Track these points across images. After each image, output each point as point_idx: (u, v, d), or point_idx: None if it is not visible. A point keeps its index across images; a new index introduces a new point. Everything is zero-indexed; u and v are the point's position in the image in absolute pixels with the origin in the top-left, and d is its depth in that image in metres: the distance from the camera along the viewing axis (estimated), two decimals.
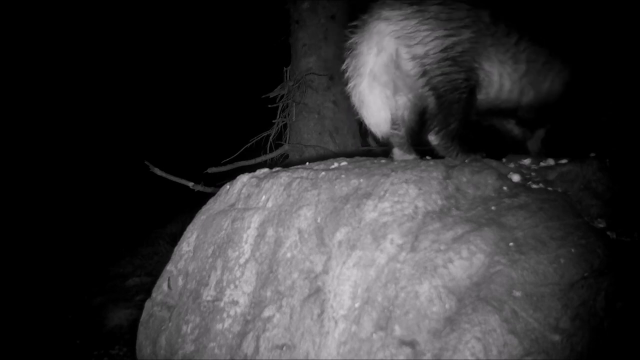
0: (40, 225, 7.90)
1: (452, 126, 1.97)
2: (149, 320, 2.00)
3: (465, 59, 1.91)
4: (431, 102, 2.02)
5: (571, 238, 1.35)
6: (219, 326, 1.72)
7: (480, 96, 2.03)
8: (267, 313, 1.62)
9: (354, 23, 2.04)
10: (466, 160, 1.78)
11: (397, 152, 2.16)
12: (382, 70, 2.00)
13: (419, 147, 2.20)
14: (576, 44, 2.17)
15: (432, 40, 1.90)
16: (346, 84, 2.06)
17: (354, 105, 2.10)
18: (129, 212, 8.55)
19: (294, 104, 4.15)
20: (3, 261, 6.13)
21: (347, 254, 1.54)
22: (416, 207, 1.54)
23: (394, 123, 2.13)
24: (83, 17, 9.56)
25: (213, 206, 2.10)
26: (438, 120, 2.00)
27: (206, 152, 5.81)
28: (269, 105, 4.35)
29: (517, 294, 1.27)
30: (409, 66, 1.96)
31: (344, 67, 2.07)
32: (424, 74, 1.94)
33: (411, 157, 2.14)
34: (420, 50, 1.92)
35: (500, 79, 2.00)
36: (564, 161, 1.68)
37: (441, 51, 1.90)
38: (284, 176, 1.91)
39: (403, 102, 2.10)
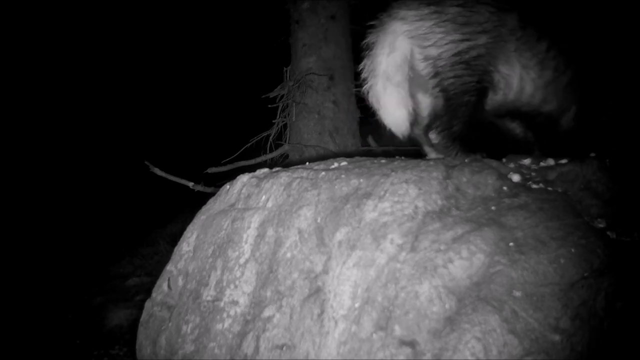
0: (40, 225, 7.90)
1: (455, 128, 1.97)
2: (149, 320, 2.00)
3: (479, 63, 1.89)
4: (439, 102, 2.02)
5: (571, 238, 1.35)
6: (219, 326, 1.72)
7: (498, 97, 2.01)
8: (267, 313, 1.62)
9: (372, 22, 2.04)
10: (466, 160, 1.78)
11: (430, 153, 2.15)
12: (394, 70, 1.99)
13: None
14: (606, 60, 2.15)
15: (446, 44, 1.89)
16: (363, 85, 2.06)
17: (371, 106, 2.09)
18: (129, 212, 8.56)
19: (294, 104, 4.15)
20: (3, 261, 6.13)
21: (347, 254, 1.54)
22: (416, 207, 1.54)
23: (419, 124, 2.13)
24: (83, 17, 9.56)
25: (213, 206, 2.10)
26: (442, 121, 2.00)
27: (206, 152, 5.81)
28: (269, 105, 4.35)
29: (517, 294, 1.27)
30: (421, 66, 1.96)
31: (360, 67, 2.06)
32: (435, 75, 1.94)
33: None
34: (433, 51, 1.92)
35: (521, 82, 1.97)
36: (564, 161, 1.68)
37: (454, 54, 1.89)
38: (284, 176, 1.91)
39: (429, 102, 2.10)
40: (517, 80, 1.97)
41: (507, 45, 1.91)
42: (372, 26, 2.03)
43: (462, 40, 1.88)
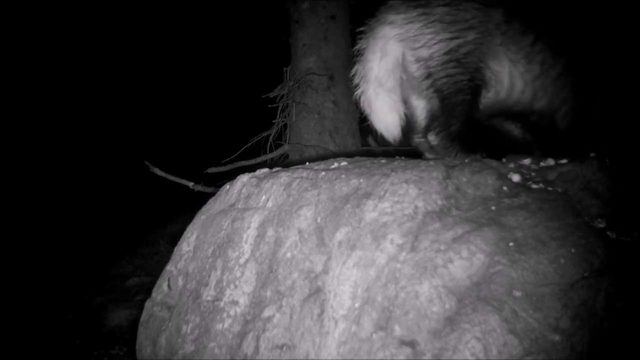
0: (40, 225, 7.90)
1: (453, 128, 1.97)
2: (149, 320, 2.00)
3: (470, 60, 1.90)
4: (435, 103, 2.02)
5: (571, 238, 1.35)
6: (219, 326, 1.72)
7: (490, 95, 2.02)
8: (267, 313, 1.62)
9: (361, 29, 2.05)
10: (466, 160, 1.78)
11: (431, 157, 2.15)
12: (386, 75, 2.00)
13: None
14: (595, 53, 2.14)
15: (436, 43, 1.90)
16: (354, 91, 2.07)
17: (363, 112, 2.11)
18: (129, 212, 8.56)
19: (294, 104, 4.15)
20: (3, 261, 6.13)
21: (347, 254, 1.54)
22: (416, 207, 1.54)
23: (416, 130, 2.13)
24: (83, 17, 9.56)
25: (213, 206, 2.10)
26: (439, 122, 2.00)
27: (206, 152, 5.81)
28: (269, 105, 4.35)
29: (517, 294, 1.27)
30: (414, 68, 1.97)
31: (352, 73, 2.07)
32: (428, 76, 1.95)
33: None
34: (424, 52, 1.93)
35: (511, 78, 1.98)
36: (564, 161, 1.68)
37: (445, 53, 1.90)
38: (284, 176, 1.91)
39: (425, 104, 2.11)
40: (507, 76, 1.98)
41: (494, 40, 1.91)
42: (362, 32, 2.04)
43: (452, 39, 1.89)
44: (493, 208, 1.49)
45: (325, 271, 1.56)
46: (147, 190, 7.87)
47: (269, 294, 1.66)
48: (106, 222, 8.14)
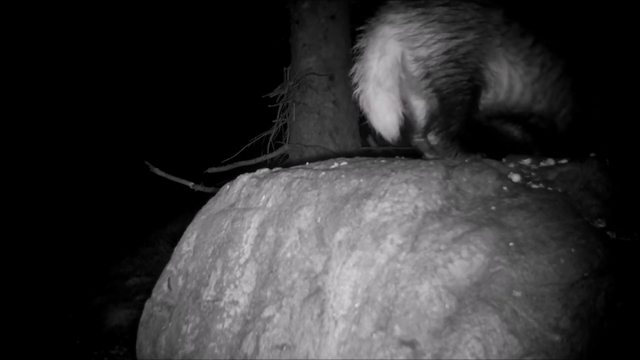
0: (40, 225, 7.90)
1: (453, 128, 1.97)
2: (149, 320, 2.00)
3: (469, 61, 1.90)
4: (434, 103, 2.02)
5: (571, 238, 1.35)
6: (219, 326, 1.72)
7: (489, 96, 2.02)
8: (267, 313, 1.62)
9: (361, 28, 2.05)
10: (466, 160, 1.78)
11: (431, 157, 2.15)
12: (385, 74, 2.00)
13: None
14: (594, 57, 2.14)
15: (435, 43, 1.90)
16: (353, 90, 2.07)
17: (362, 111, 2.11)
18: (129, 212, 8.56)
19: (294, 104, 4.15)
20: (3, 261, 6.13)
21: (347, 254, 1.54)
22: (416, 207, 1.54)
23: (416, 130, 2.13)
24: (83, 17, 9.56)
25: (213, 206, 2.10)
26: (439, 122, 2.00)
27: (206, 152, 5.81)
28: (269, 105, 4.35)
29: (517, 294, 1.27)
30: (413, 68, 1.97)
31: (351, 72, 2.07)
32: (427, 75, 1.95)
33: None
34: (423, 52, 1.93)
35: (510, 80, 1.98)
36: (564, 161, 1.68)
37: (444, 53, 1.90)
38: (284, 176, 1.91)
39: (424, 104, 2.11)
40: (506, 78, 1.97)
41: (494, 41, 1.91)
42: (362, 31, 2.04)
43: (451, 39, 1.89)
44: (493, 208, 1.49)
45: (325, 271, 1.56)
46: (147, 190, 7.87)
47: (269, 294, 1.66)
48: (106, 222, 8.14)
